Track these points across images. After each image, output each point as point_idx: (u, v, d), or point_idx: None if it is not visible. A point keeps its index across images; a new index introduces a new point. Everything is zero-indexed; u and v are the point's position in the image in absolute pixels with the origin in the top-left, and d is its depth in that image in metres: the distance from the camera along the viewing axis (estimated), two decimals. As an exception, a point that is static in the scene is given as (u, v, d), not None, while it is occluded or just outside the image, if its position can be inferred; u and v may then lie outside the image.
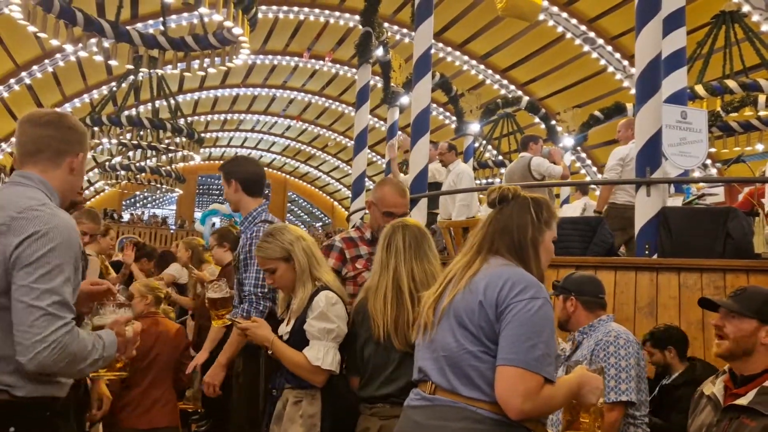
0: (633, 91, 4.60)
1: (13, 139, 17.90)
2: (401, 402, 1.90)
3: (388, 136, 10.82)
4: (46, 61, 16.00)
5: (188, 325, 5.52)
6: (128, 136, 14.17)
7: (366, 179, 9.50)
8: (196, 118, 22.99)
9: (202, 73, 12.00)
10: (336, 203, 32.64)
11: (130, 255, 5.71)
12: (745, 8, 11.34)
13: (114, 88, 15.21)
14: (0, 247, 1.64)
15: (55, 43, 9.71)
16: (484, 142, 15.90)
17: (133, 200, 30.80)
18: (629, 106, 10.35)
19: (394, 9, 15.40)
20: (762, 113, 10.32)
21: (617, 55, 14.95)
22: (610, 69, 15.25)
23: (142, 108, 15.68)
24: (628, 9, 12.30)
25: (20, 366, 1.63)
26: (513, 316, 1.64)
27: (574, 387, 1.76)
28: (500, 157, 16.13)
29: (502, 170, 13.92)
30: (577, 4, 14.36)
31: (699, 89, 9.48)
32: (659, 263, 3.84)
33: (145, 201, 31.35)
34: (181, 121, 14.82)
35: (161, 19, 12.49)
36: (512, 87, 17.58)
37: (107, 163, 18.35)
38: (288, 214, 31.78)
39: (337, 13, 16.55)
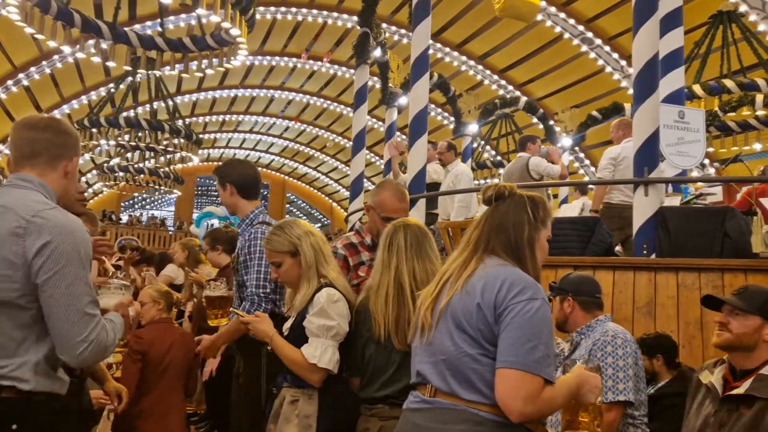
0: (631, 91, 4.60)
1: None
2: (401, 403, 1.89)
3: (386, 137, 10.83)
4: (44, 62, 16.00)
5: (185, 326, 5.51)
6: (126, 137, 14.16)
7: (364, 180, 9.51)
8: (194, 119, 23.01)
9: (200, 75, 12.02)
10: (335, 204, 32.65)
11: (132, 257, 5.73)
12: (743, 8, 11.36)
13: (112, 90, 15.20)
14: (20, 249, 1.72)
15: (52, 44, 9.70)
16: (483, 142, 15.91)
17: (131, 202, 30.77)
18: (627, 106, 10.37)
19: (392, 9, 15.41)
20: (760, 113, 10.35)
21: (615, 55, 14.97)
22: (608, 69, 15.27)
23: (140, 109, 15.67)
24: (626, 9, 12.32)
25: (28, 360, 1.74)
26: (512, 318, 1.63)
27: (573, 387, 1.75)
28: (498, 158, 16.16)
29: (501, 170, 13.94)
30: (574, 4, 14.38)
31: (697, 89, 9.50)
32: (657, 263, 3.84)
33: (143, 202, 31.33)
34: (180, 123, 14.81)
35: (159, 20, 12.49)
36: (510, 87, 17.59)
37: (105, 165, 18.35)
38: (287, 215, 31.74)
39: (335, 14, 16.56)
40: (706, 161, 12.37)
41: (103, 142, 14.52)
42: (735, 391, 2.07)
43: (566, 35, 14.99)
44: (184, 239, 6.13)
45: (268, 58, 19.24)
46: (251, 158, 29.61)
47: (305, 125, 25.18)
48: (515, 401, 1.59)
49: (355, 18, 9.76)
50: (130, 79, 14.37)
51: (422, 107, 6.06)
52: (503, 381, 1.61)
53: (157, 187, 18.98)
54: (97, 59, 10.45)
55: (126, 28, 10.54)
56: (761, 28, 11.68)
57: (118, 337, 1.90)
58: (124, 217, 27.61)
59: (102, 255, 2.10)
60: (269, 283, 2.88)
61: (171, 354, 3.56)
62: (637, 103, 4.33)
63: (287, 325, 2.48)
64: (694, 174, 7.05)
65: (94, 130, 13.66)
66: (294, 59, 19.38)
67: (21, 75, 16.08)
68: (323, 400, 2.35)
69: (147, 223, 26.55)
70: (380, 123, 19.49)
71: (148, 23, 14.99)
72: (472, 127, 12.25)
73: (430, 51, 6.20)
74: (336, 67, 19.59)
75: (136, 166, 17.66)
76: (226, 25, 8.66)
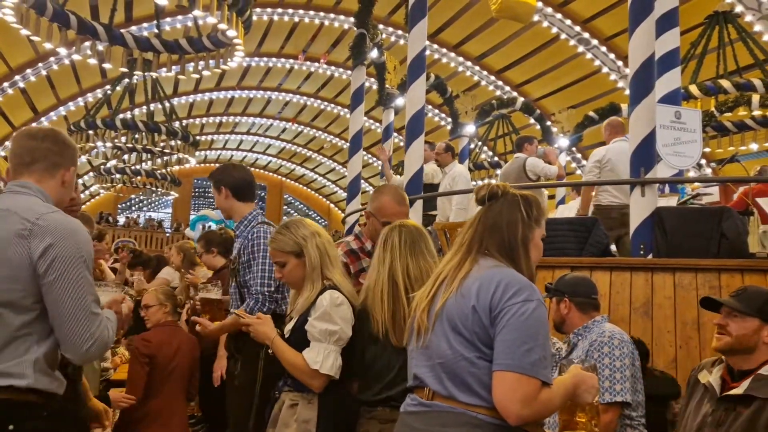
0: (627, 91, 4.61)
1: (7, 143, 17.86)
2: (398, 406, 1.88)
3: (383, 138, 10.83)
4: (40, 64, 15.96)
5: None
6: (123, 139, 14.11)
7: (362, 181, 9.50)
8: (191, 120, 22.97)
9: (197, 76, 12.00)
10: (332, 205, 32.64)
11: (125, 257, 5.70)
12: (738, 8, 11.38)
13: (108, 92, 15.17)
14: (24, 251, 1.78)
15: (48, 46, 9.67)
16: (480, 143, 15.92)
17: (128, 204, 30.72)
18: (624, 106, 10.38)
19: (389, 11, 15.41)
20: (756, 113, 10.36)
21: (611, 56, 14.99)
22: (605, 69, 15.28)
23: (137, 111, 15.64)
24: (622, 9, 12.32)
25: (27, 359, 1.78)
26: (507, 321, 1.63)
27: (570, 387, 1.75)
28: (496, 159, 16.15)
29: (498, 171, 13.94)
30: (571, 5, 14.39)
31: (693, 89, 9.52)
32: (654, 263, 3.84)
33: (140, 204, 31.28)
34: (176, 124, 14.77)
35: (155, 21, 12.46)
36: (507, 88, 17.60)
37: (102, 167, 18.30)
38: (284, 217, 31.73)
39: (332, 15, 16.55)
40: (703, 161, 12.40)
41: (99, 144, 14.49)
42: (733, 392, 2.06)
43: (563, 36, 15.00)
44: (179, 242, 6.13)
45: (265, 59, 19.23)
46: (248, 160, 29.62)
47: (302, 126, 25.17)
48: (512, 404, 1.58)
49: (352, 19, 9.75)
50: (126, 80, 14.34)
51: (419, 108, 6.05)
52: (500, 384, 1.60)
53: (154, 189, 18.94)
54: (93, 61, 10.41)
55: (122, 30, 10.53)
56: (757, 28, 11.70)
57: (113, 334, 1.94)
58: (121, 219, 27.59)
59: (98, 259, 2.13)
60: (273, 281, 2.87)
61: (177, 358, 3.56)
62: (633, 104, 4.33)
63: (289, 327, 2.44)
64: (691, 174, 7.06)
65: (90, 132, 13.61)
66: (291, 60, 19.37)
67: (17, 77, 16.05)
68: (323, 404, 2.31)
69: (144, 225, 26.50)
70: (377, 124, 19.48)
71: (145, 25, 14.96)
72: (469, 128, 12.25)
73: (427, 52, 6.19)
74: (333, 68, 19.59)
75: (132, 167, 17.61)
76: (222, 26, 8.63)
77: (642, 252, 4.04)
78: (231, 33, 8.88)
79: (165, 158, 16.22)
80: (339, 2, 16.18)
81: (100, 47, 10.07)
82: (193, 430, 4.68)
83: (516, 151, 6.51)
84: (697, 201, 4.82)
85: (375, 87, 11.02)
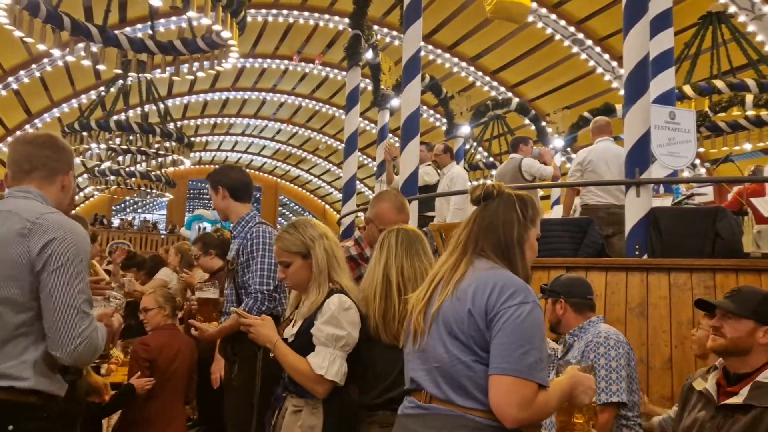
0: (622, 92, 4.62)
1: (1, 146, 17.78)
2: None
3: (378, 139, 10.82)
4: (34, 66, 15.89)
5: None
6: (117, 140, 14.07)
7: (357, 182, 9.49)
8: (185, 122, 22.91)
9: (192, 77, 11.95)
10: (327, 206, 32.59)
11: (119, 256, 5.68)
12: (732, 9, 11.43)
13: (102, 93, 15.11)
14: (24, 249, 1.82)
15: (42, 47, 9.63)
16: (475, 144, 15.93)
17: (123, 205, 30.60)
18: (618, 106, 10.41)
19: (384, 12, 15.40)
20: (749, 113, 10.40)
21: (606, 56, 15.03)
22: (599, 70, 15.32)
23: (131, 112, 15.62)
24: (616, 10, 12.36)
25: (27, 359, 1.81)
26: (503, 324, 1.62)
27: (567, 389, 1.74)
28: (491, 159, 16.16)
29: (493, 172, 13.96)
30: (565, 5, 14.42)
31: (687, 89, 9.55)
32: (649, 264, 3.85)
33: (135, 206, 31.16)
34: (171, 126, 14.73)
35: (149, 23, 12.43)
36: (502, 89, 17.62)
37: (96, 169, 18.23)
38: (279, 218, 31.69)
39: (327, 16, 16.53)
40: (697, 161, 12.44)
41: (93, 145, 14.43)
42: (732, 400, 2.04)
43: (557, 36, 15.03)
44: (178, 243, 6.11)
45: (260, 60, 19.19)
46: (243, 161, 29.57)
47: (297, 128, 25.13)
48: (509, 408, 1.57)
49: (347, 20, 9.74)
50: (120, 82, 14.29)
51: (414, 109, 6.05)
52: (497, 388, 1.60)
53: (148, 190, 18.86)
54: (87, 62, 10.38)
55: (116, 31, 10.48)
56: (750, 28, 11.76)
57: (103, 344, 1.93)
58: (116, 221, 27.47)
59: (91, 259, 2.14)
60: (273, 280, 2.85)
61: (177, 361, 3.55)
62: (628, 104, 4.34)
63: (292, 330, 2.37)
64: (685, 174, 7.08)
65: (84, 133, 13.54)
66: (285, 61, 19.34)
67: (10, 78, 15.96)
68: (328, 411, 2.25)
69: (139, 226, 26.42)
70: (372, 125, 19.48)
71: (139, 26, 14.92)
72: (465, 129, 12.27)
73: (422, 53, 6.19)
74: (328, 69, 19.57)
75: (127, 169, 17.56)
76: (217, 27, 8.61)
77: (637, 252, 4.04)
78: (225, 34, 8.86)
79: (159, 160, 16.17)
80: (334, 3, 16.16)
81: (94, 48, 10.03)
82: (189, 432, 4.66)
83: (511, 152, 6.51)
84: (691, 201, 4.84)
85: (370, 88, 11.00)
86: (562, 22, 14.70)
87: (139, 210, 31.30)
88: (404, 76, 6.10)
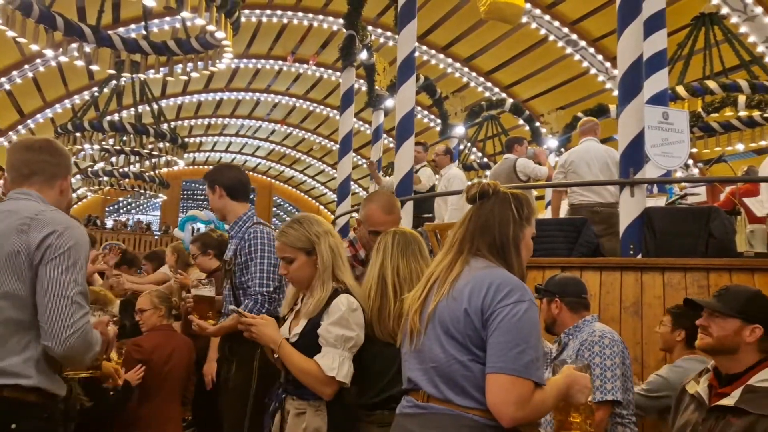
0: (615, 92, 4.64)
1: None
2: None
3: (373, 140, 10.83)
4: (26, 66, 15.81)
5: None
6: (111, 141, 14.02)
7: (351, 183, 9.49)
8: (179, 122, 22.84)
9: (185, 78, 11.93)
10: (322, 207, 32.56)
11: (112, 258, 5.65)
12: (724, 10, 11.49)
13: (96, 93, 15.05)
14: (23, 243, 1.86)
15: (35, 48, 9.60)
16: (469, 144, 15.96)
17: (116, 206, 30.48)
18: (612, 107, 10.45)
19: (378, 12, 15.40)
20: (742, 113, 10.46)
21: (599, 57, 15.08)
22: (593, 71, 15.38)
23: (124, 113, 15.53)
24: (610, 11, 12.41)
25: (30, 357, 1.84)
26: (499, 323, 1.62)
27: (563, 388, 1.75)
28: (485, 160, 16.19)
29: (487, 172, 13.98)
30: (559, 6, 14.47)
31: (680, 90, 9.59)
32: (644, 263, 3.86)
33: (128, 207, 31.05)
34: (165, 126, 14.69)
35: (143, 23, 12.39)
36: (496, 89, 17.66)
37: (90, 169, 18.15)
38: (273, 219, 31.64)
39: (321, 17, 16.52)
40: (690, 162, 12.50)
41: (87, 146, 14.37)
42: (724, 402, 2.04)
43: (551, 37, 15.07)
44: (174, 243, 6.08)
45: (254, 60, 19.17)
46: (237, 161, 29.50)
47: (291, 128, 25.10)
48: (506, 407, 1.58)
49: (341, 20, 9.74)
50: (114, 82, 14.24)
51: (409, 109, 6.06)
52: (493, 386, 1.60)
53: (142, 191, 18.79)
54: (80, 63, 10.35)
55: (110, 32, 10.46)
56: (743, 29, 11.82)
57: (97, 349, 1.94)
58: (109, 222, 27.36)
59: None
60: (273, 282, 2.83)
61: (172, 362, 3.52)
62: (622, 105, 4.35)
63: (296, 330, 2.33)
64: (678, 175, 7.11)
65: (77, 134, 13.48)
66: (280, 62, 19.32)
67: (3, 79, 15.88)
68: (332, 412, 2.23)
69: (132, 227, 26.32)
70: (367, 125, 19.48)
71: (132, 26, 14.86)
72: (459, 129, 12.29)
73: (416, 53, 6.20)
74: (322, 69, 19.56)
75: (120, 170, 17.48)
76: (211, 28, 8.60)
77: (632, 252, 4.06)
78: (219, 34, 8.86)
79: (153, 160, 16.13)
80: (328, 3, 16.16)
81: (87, 49, 10.00)
82: (182, 433, 4.64)
83: (506, 152, 6.53)
84: (684, 201, 4.86)
85: (364, 88, 11.03)
86: (556, 23, 14.75)
87: (133, 211, 31.18)
88: (399, 76, 6.11)
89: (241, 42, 16.84)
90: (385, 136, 12.46)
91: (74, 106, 18.19)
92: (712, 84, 9.73)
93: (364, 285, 2.41)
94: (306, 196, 33.11)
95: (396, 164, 6.07)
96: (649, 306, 3.64)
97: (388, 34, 15.83)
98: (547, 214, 7.65)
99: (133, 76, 12.67)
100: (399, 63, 6.07)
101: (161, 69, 10.80)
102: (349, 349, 2.22)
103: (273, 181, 32.39)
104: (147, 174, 17.74)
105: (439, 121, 14.00)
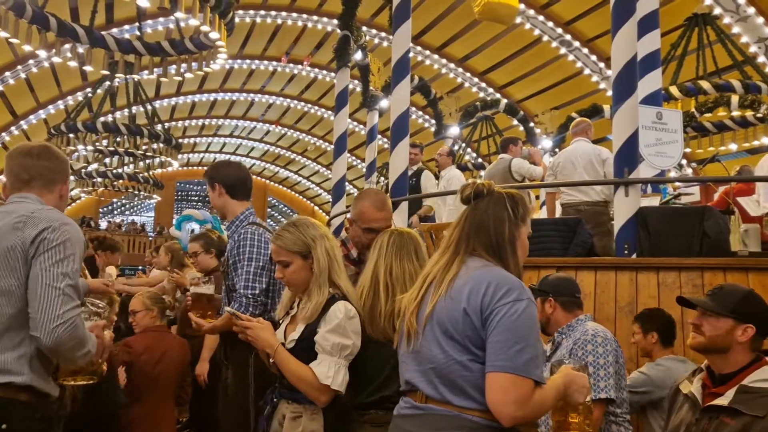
0: (609, 92, 4.65)
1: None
2: (393, 408, 1.86)
3: (368, 140, 10.83)
4: (19, 67, 15.71)
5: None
6: (104, 142, 13.99)
7: (346, 183, 9.49)
8: (173, 123, 22.78)
9: (179, 78, 11.90)
10: (316, 208, 32.54)
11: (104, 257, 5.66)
12: (717, 10, 11.55)
13: (89, 94, 14.99)
14: (20, 239, 1.89)
15: (28, 48, 9.53)
16: (464, 144, 15.97)
17: (110, 208, 30.40)
18: (606, 107, 10.49)
19: (372, 13, 15.41)
20: (735, 113, 10.52)
21: (593, 58, 15.13)
22: (587, 71, 15.42)
23: (118, 114, 15.50)
24: (603, 12, 12.44)
25: (24, 354, 1.85)
26: (498, 321, 1.61)
27: (562, 388, 1.74)
28: (480, 160, 16.22)
29: (482, 173, 13.99)
30: (553, 6, 14.50)
31: (673, 90, 9.63)
32: (638, 263, 3.88)
33: (122, 208, 30.96)
34: (159, 127, 14.65)
35: (137, 24, 12.37)
36: (490, 90, 17.69)
37: (83, 171, 18.08)
38: (268, 220, 31.60)
39: (315, 17, 16.50)
40: (684, 161, 12.55)
41: (80, 147, 14.34)
42: (718, 402, 2.04)
43: (545, 38, 15.10)
44: (168, 242, 6.06)
45: (248, 61, 19.13)
46: (238, 161, 29.41)
47: (286, 129, 25.07)
48: (507, 405, 1.57)
49: (336, 21, 9.75)
50: (107, 83, 14.19)
51: (404, 110, 6.06)
52: (493, 385, 1.59)
53: (136, 192, 18.74)
54: (73, 63, 10.28)
55: (103, 32, 10.41)
56: (735, 30, 11.89)
57: (91, 350, 1.94)
58: (103, 224, 27.26)
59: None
60: (258, 284, 2.80)
61: (163, 363, 3.49)
62: (616, 105, 4.37)
63: (292, 335, 2.31)
64: (672, 175, 7.15)
65: (71, 135, 13.44)
66: (274, 62, 19.28)
67: (-5, 80, 15.82)
68: (328, 416, 2.23)
69: (126, 229, 26.23)
70: (361, 126, 19.47)
71: (126, 27, 14.79)
72: (453, 130, 12.31)
73: (411, 54, 6.20)
74: (316, 70, 19.54)
75: (114, 171, 17.41)
76: (205, 28, 8.57)
77: (626, 251, 4.07)
78: (213, 35, 8.82)
79: (147, 161, 16.10)
80: (322, 4, 16.15)
81: (81, 49, 9.95)
82: (179, 435, 4.63)
83: (501, 152, 6.54)
84: (677, 201, 4.88)
85: (359, 89, 11.01)
86: (550, 24, 14.78)
87: (127, 212, 31.10)
88: (393, 76, 6.11)
89: (235, 43, 16.82)
90: (379, 136, 12.44)
91: (67, 107, 18.11)
92: (705, 84, 9.77)
93: (359, 284, 2.41)
94: (301, 197, 33.08)
95: (391, 165, 6.07)
96: (644, 305, 3.65)
97: (383, 34, 15.83)
98: (542, 214, 7.67)
99: (127, 76, 12.61)
100: (393, 63, 6.07)
101: (155, 70, 10.74)
102: (345, 357, 2.22)
103: (267, 182, 32.34)
104: (141, 175, 17.69)
105: (433, 121, 14.01)
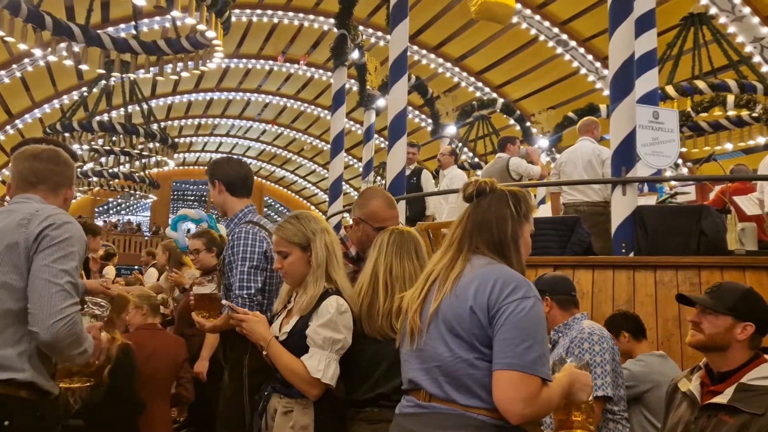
0: (606, 92, 4.68)
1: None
2: (389, 405, 1.85)
3: (364, 139, 10.83)
4: (14, 66, 15.67)
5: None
6: (100, 141, 13.93)
7: (343, 183, 9.49)
8: (169, 122, 22.73)
9: (176, 78, 11.87)
10: (313, 207, 32.51)
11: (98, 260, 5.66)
12: (713, 10, 11.59)
13: (85, 93, 14.95)
14: (24, 235, 1.91)
15: (23, 47, 9.50)
16: (460, 144, 15.98)
17: (106, 207, 30.32)
18: (603, 107, 10.50)
19: (369, 12, 15.41)
20: (731, 113, 10.54)
21: (589, 57, 15.15)
22: (583, 71, 15.45)
23: (114, 113, 15.43)
24: (600, 11, 12.49)
25: (25, 350, 1.87)
26: (505, 319, 1.60)
27: (566, 386, 1.73)
28: (476, 159, 16.23)
29: (479, 172, 14.01)
30: (549, 6, 14.52)
31: (670, 90, 9.66)
32: (636, 261, 3.89)
33: (118, 208, 30.88)
34: (155, 126, 14.61)
35: (133, 22, 12.32)
36: (487, 89, 17.70)
37: (79, 170, 18.03)
38: (265, 219, 31.53)
39: (312, 16, 16.49)
40: (680, 161, 12.58)
41: (76, 146, 14.23)
42: (716, 400, 2.04)
43: (541, 37, 15.12)
44: (165, 241, 6.04)
45: (244, 60, 19.11)
46: (239, 158, 29.36)
47: (282, 128, 25.04)
48: (515, 403, 1.55)
49: (332, 20, 9.75)
50: (103, 82, 14.15)
51: (401, 109, 6.06)
52: (501, 383, 1.58)
53: (132, 192, 18.69)
54: (69, 62, 10.26)
55: (99, 31, 10.38)
56: (731, 30, 11.92)
57: (88, 350, 1.94)
58: (99, 223, 27.19)
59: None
60: (254, 283, 2.79)
61: (153, 362, 3.45)
62: (613, 104, 4.37)
63: (286, 327, 2.34)
64: (668, 174, 7.17)
65: (66, 134, 13.38)
66: (270, 62, 19.26)
67: (-9, 79, 15.76)
68: (319, 410, 2.24)
69: (122, 228, 26.17)
70: (358, 125, 19.46)
71: (122, 26, 14.77)
72: (450, 129, 12.31)
73: (408, 53, 6.20)
74: (313, 69, 19.53)
75: (110, 170, 17.37)
76: (201, 27, 8.56)
77: (624, 250, 4.08)
78: (210, 34, 8.81)
79: (143, 161, 16.04)
80: (319, 3, 16.13)
81: (77, 48, 9.92)
82: (176, 434, 4.61)
83: (499, 151, 6.55)
84: (674, 200, 4.89)
85: (356, 88, 11.01)
86: (546, 23, 14.80)
87: (123, 212, 31.03)
88: (391, 76, 6.11)
89: (231, 42, 16.79)
90: (376, 136, 12.44)
91: (63, 106, 18.05)
92: (701, 84, 9.81)
93: (359, 282, 2.41)
94: (297, 197, 33.06)
95: (388, 164, 6.07)
96: (641, 304, 3.66)
97: (380, 33, 15.83)
98: (540, 212, 7.69)
99: (123, 75, 12.58)
100: (390, 63, 6.07)
101: (151, 69, 10.73)
102: (336, 351, 2.23)
103: (264, 181, 32.30)
104: (137, 174, 17.63)
105: (430, 120, 14.02)
